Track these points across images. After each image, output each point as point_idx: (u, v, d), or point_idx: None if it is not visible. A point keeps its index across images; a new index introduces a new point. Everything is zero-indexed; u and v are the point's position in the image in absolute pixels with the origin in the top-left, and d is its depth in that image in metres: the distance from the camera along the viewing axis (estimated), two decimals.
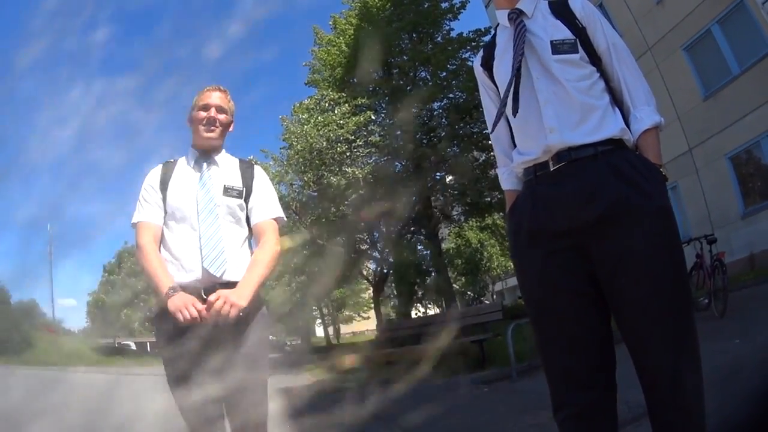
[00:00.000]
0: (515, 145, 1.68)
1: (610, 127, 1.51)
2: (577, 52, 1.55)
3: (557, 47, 1.55)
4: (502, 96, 1.62)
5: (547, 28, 1.59)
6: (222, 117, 2.15)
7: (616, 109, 1.56)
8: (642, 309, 1.41)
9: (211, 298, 1.82)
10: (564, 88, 1.52)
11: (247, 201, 2.14)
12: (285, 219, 2.26)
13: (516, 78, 1.54)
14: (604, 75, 1.59)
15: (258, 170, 2.24)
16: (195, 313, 1.78)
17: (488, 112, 1.80)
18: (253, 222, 2.13)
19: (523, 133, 1.61)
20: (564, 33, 1.57)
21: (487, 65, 1.74)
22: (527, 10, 1.62)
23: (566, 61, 1.54)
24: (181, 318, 1.78)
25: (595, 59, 1.58)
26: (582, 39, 1.57)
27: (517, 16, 1.62)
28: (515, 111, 1.55)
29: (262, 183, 2.20)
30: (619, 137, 1.51)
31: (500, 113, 1.61)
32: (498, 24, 1.76)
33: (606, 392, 1.50)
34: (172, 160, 2.20)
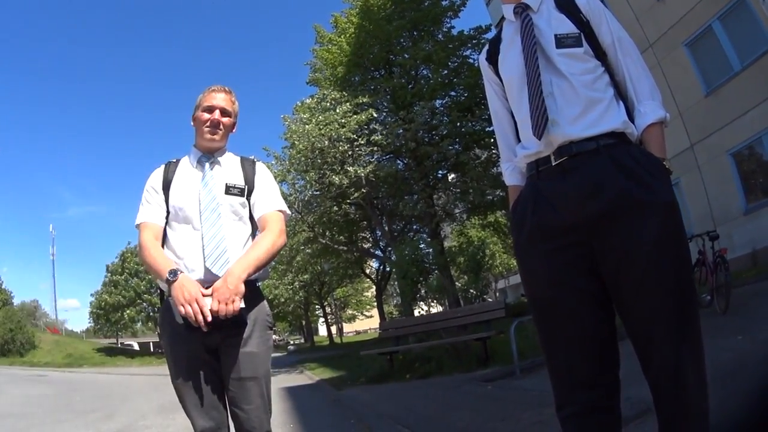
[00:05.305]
0: (519, 141, 1.67)
1: (612, 120, 1.50)
2: (581, 45, 1.54)
3: (561, 41, 1.55)
4: (508, 90, 1.60)
5: (551, 22, 1.58)
6: (226, 120, 2.13)
7: (620, 103, 1.55)
8: (646, 305, 1.40)
9: (213, 306, 1.79)
10: (568, 81, 1.52)
11: (249, 198, 2.12)
12: (289, 213, 2.24)
13: (534, 74, 1.53)
14: (609, 69, 1.58)
15: (260, 167, 2.22)
16: (205, 317, 1.78)
17: (493, 107, 1.80)
18: (257, 214, 2.11)
19: (526, 127, 1.59)
20: (568, 27, 1.56)
21: (493, 60, 1.74)
22: (533, 5, 1.62)
23: (570, 55, 1.54)
24: (183, 313, 1.77)
25: (599, 53, 1.57)
26: (586, 33, 1.56)
27: (522, 10, 1.62)
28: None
29: (265, 179, 2.19)
30: (621, 131, 1.50)
31: (541, 113, 1.53)
32: (503, 18, 1.75)
33: (609, 390, 1.49)
34: (174, 160, 2.19)
